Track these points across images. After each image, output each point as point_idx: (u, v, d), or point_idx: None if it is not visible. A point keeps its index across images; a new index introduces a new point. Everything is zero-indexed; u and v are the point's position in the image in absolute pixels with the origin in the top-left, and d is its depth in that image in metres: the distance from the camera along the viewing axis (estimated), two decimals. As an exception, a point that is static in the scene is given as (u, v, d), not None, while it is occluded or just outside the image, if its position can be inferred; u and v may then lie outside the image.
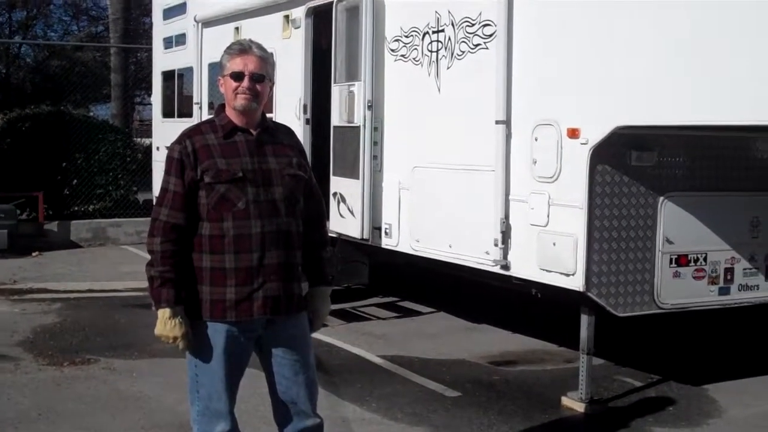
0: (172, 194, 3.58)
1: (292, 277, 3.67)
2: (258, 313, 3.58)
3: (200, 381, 3.65)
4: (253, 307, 3.58)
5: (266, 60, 3.66)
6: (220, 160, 3.55)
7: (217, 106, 3.73)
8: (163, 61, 13.01)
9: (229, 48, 3.71)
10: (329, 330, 8.33)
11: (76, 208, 14.40)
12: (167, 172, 3.61)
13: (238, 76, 3.59)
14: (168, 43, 12.70)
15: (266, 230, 3.57)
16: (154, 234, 3.58)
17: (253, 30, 10.11)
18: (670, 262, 6.11)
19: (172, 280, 3.55)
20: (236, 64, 3.61)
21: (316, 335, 7.83)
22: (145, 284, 10.21)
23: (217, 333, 3.59)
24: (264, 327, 3.65)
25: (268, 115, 10.10)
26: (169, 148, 3.65)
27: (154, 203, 3.69)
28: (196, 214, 3.58)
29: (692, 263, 6.19)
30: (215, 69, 10.87)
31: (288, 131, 3.87)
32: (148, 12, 21.55)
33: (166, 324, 3.55)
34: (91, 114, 18.71)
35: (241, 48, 3.65)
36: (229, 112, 3.65)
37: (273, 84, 3.77)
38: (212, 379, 3.62)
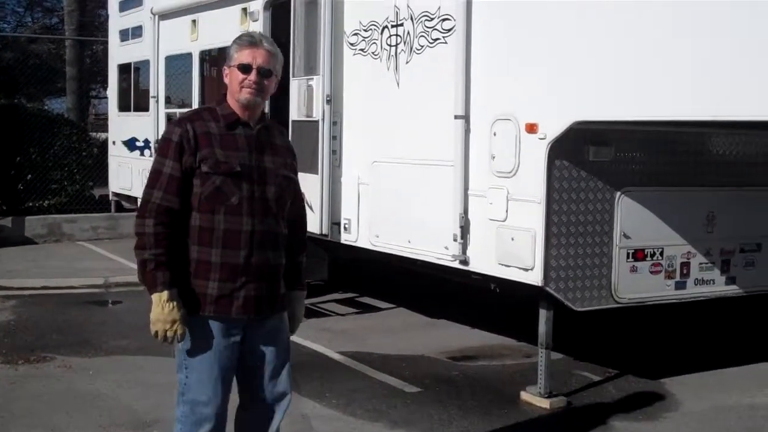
0: (167, 177, 3.47)
1: (276, 278, 3.62)
2: (237, 313, 3.51)
3: (188, 383, 3.56)
4: (233, 306, 3.51)
5: (275, 55, 3.59)
6: (219, 150, 3.49)
7: (220, 95, 3.65)
8: (119, 54, 12.87)
9: (238, 39, 3.63)
10: (288, 326, 8.29)
11: (30, 204, 14.17)
12: (162, 154, 3.50)
13: (245, 69, 3.52)
14: (124, 35, 12.57)
15: (257, 229, 3.51)
16: (145, 216, 3.47)
17: (211, 22, 10.05)
18: (627, 257, 6.15)
19: (166, 263, 3.45)
20: (245, 56, 3.53)
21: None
22: (100, 281, 10.09)
23: (206, 329, 3.52)
24: (246, 324, 3.58)
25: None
26: (167, 131, 3.57)
27: (144, 187, 3.57)
28: (187, 202, 3.50)
29: (649, 258, 6.24)
30: (172, 62, 10.85)
31: (282, 131, 3.84)
32: (103, 4, 21.29)
33: (163, 308, 3.44)
34: (46, 108, 18.49)
35: (252, 40, 3.57)
36: (232, 104, 3.58)
37: (278, 80, 3.67)
38: (200, 381, 3.54)
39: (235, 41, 3.61)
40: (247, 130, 3.56)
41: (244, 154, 3.52)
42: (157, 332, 3.49)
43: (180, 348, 3.57)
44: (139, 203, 3.59)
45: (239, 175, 3.49)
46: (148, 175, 3.58)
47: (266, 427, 3.74)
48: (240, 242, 3.49)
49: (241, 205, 3.49)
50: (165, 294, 3.44)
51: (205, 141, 3.49)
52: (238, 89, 3.54)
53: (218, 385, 3.56)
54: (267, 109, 8.81)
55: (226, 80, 3.61)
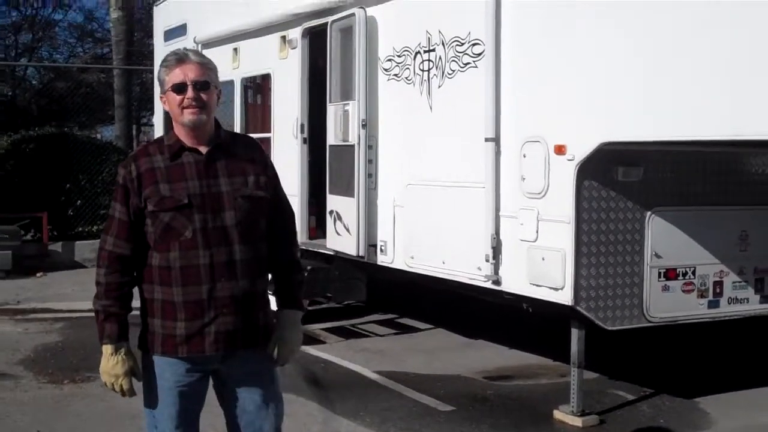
0: (117, 222, 3.32)
1: (252, 308, 3.38)
2: (210, 350, 3.32)
3: (158, 416, 3.42)
4: (205, 343, 3.31)
5: (207, 66, 3.35)
6: (164, 185, 3.28)
7: (168, 126, 3.51)
8: (164, 81, 13.13)
9: (164, 61, 3.39)
10: (326, 346, 8.44)
11: (80, 229, 14.55)
12: (114, 198, 3.38)
13: (180, 88, 3.29)
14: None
15: (215, 260, 3.28)
16: (99, 264, 3.36)
17: (251, 50, 10.27)
18: (659, 276, 6.18)
19: (115, 314, 3.33)
20: (176, 76, 3.30)
21: (314, 352, 8.03)
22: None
23: (170, 367, 3.36)
24: (221, 361, 3.40)
25: (263, 135, 10.13)
26: (117, 173, 3.40)
27: None
28: (145, 243, 3.33)
29: (681, 277, 6.26)
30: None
31: (249, 143, 3.56)
32: (150, 34, 21.77)
33: (108, 360, 3.34)
34: (97, 135, 18.92)
35: (178, 58, 3.33)
36: (178, 131, 3.36)
37: (220, 91, 3.42)
38: (167, 417, 3.40)
39: (161, 64, 3.40)
40: (196, 156, 3.34)
41: (193, 183, 3.30)
42: (105, 383, 3.41)
43: (143, 384, 3.44)
44: None
45: (189, 207, 3.27)
46: None
47: None
48: (199, 277, 3.28)
49: (195, 238, 3.27)
50: (109, 348, 3.33)
51: (150, 178, 3.30)
52: (179, 112, 3.31)
53: (179, 420, 3.41)
54: (306, 135, 9.08)
55: (166, 108, 3.40)
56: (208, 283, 3.29)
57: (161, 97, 3.42)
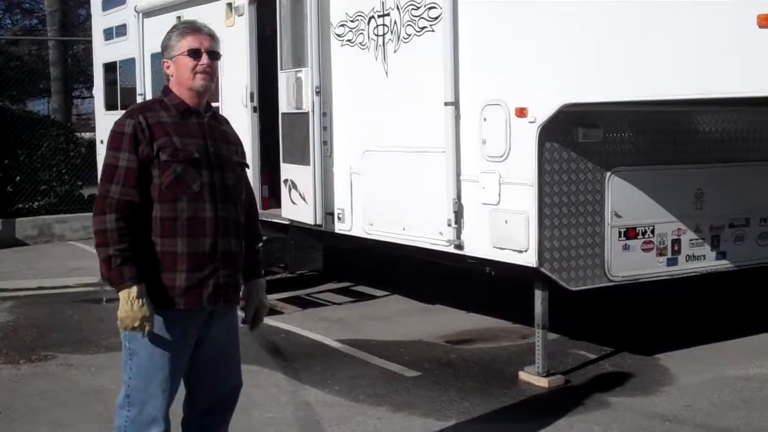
0: (124, 170, 3.39)
1: (237, 267, 3.58)
2: (207, 302, 3.45)
3: (133, 385, 3.48)
4: (203, 295, 3.44)
5: (217, 40, 3.60)
6: (176, 138, 3.43)
7: (164, 87, 3.60)
8: (103, 53, 12.85)
9: (175, 28, 3.59)
10: (286, 317, 8.40)
11: (20, 206, 14.18)
12: (115, 147, 3.42)
13: (195, 53, 3.49)
14: (108, 34, 12.55)
15: (221, 215, 3.47)
16: (105, 211, 3.37)
17: (196, 18, 10.05)
18: (619, 236, 6.25)
19: (132, 258, 3.36)
20: (190, 42, 3.50)
21: (273, 323, 7.99)
22: (94, 280, 10.11)
23: (164, 324, 3.44)
24: (207, 318, 3.54)
25: (213, 104, 10.08)
26: (118, 123, 3.48)
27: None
28: (146, 193, 3.42)
29: (640, 236, 6.35)
30: (158, 59, 10.85)
31: (226, 120, 3.79)
32: (82, 4, 21.26)
33: (133, 304, 3.34)
34: (29, 109, 18.44)
35: (194, 26, 3.57)
36: (181, 93, 3.53)
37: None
38: (149, 381, 3.45)
39: (172, 31, 3.58)
40: (199, 118, 3.54)
41: (200, 142, 3.49)
42: (126, 328, 3.40)
43: (129, 347, 3.48)
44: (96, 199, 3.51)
45: (198, 162, 3.44)
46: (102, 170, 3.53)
47: (222, 423, 3.76)
48: (205, 230, 3.44)
49: (202, 192, 3.44)
50: (134, 290, 3.35)
51: (161, 130, 3.43)
52: (190, 76, 3.49)
53: (168, 385, 3.49)
54: (256, 104, 8.97)
55: (169, 71, 3.55)
56: (212, 237, 3.45)
57: (164, 62, 3.58)
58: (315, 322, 8.15)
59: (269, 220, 8.94)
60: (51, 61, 17.04)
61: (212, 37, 3.57)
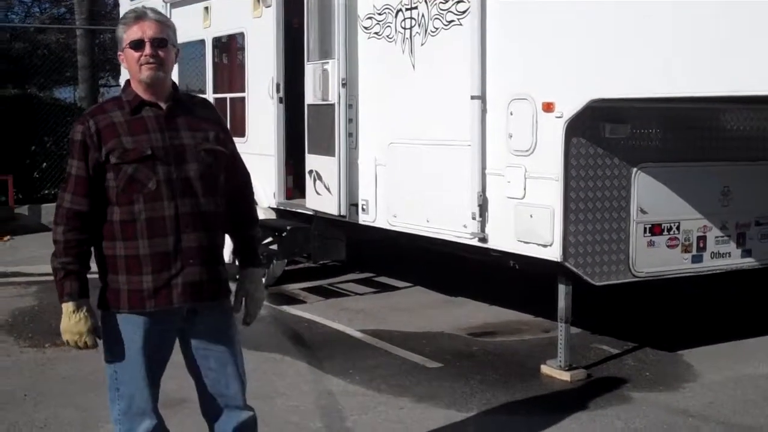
0: (75, 178, 3.30)
1: (215, 261, 3.44)
2: (178, 301, 3.35)
3: (120, 378, 3.41)
4: (173, 295, 3.33)
5: (165, 23, 3.39)
6: (126, 138, 3.29)
7: (124, 83, 3.51)
8: (131, 42, 12.92)
9: (123, 18, 3.43)
10: (307, 306, 8.45)
11: (46, 192, 14.35)
12: (71, 155, 3.35)
13: (137, 45, 3.32)
14: (136, 23, 12.61)
15: (181, 211, 3.32)
16: (57, 222, 3.32)
17: (223, 9, 10.12)
18: (645, 232, 6.24)
19: (75, 272, 3.30)
20: (134, 33, 3.33)
21: (296, 312, 8.04)
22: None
23: (136, 325, 3.35)
24: (185, 318, 3.44)
25: (237, 95, 10.07)
26: (72, 130, 3.39)
27: None
28: (104, 199, 3.32)
29: (666, 232, 6.33)
30: (186, 49, 10.88)
31: (205, 103, 3.64)
32: (111, -7, 21.34)
33: (70, 318, 3.30)
34: (56, 97, 18.59)
35: (136, 15, 3.36)
36: (136, 87, 3.39)
37: (178, 50, 3.47)
38: (133, 376, 3.39)
39: (120, 22, 3.45)
40: (156, 110, 3.38)
41: (155, 136, 3.33)
42: (67, 342, 3.36)
43: (107, 344, 3.41)
44: None
45: (152, 159, 3.30)
46: None
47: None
48: (165, 228, 3.31)
49: (159, 190, 3.30)
50: (71, 305, 3.30)
51: (110, 132, 3.30)
52: (137, 69, 3.34)
53: (152, 380, 3.43)
54: (282, 95, 8.99)
55: (124, 65, 3.43)
56: (174, 235, 3.32)
57: (119, 55, 3.44)
58: (337, 311, 8.19)
59: (293, 210, 9.00)
60: (78, 50, 17.13)
61: (159, 22, 3.36)
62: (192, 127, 3.42)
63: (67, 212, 3.31)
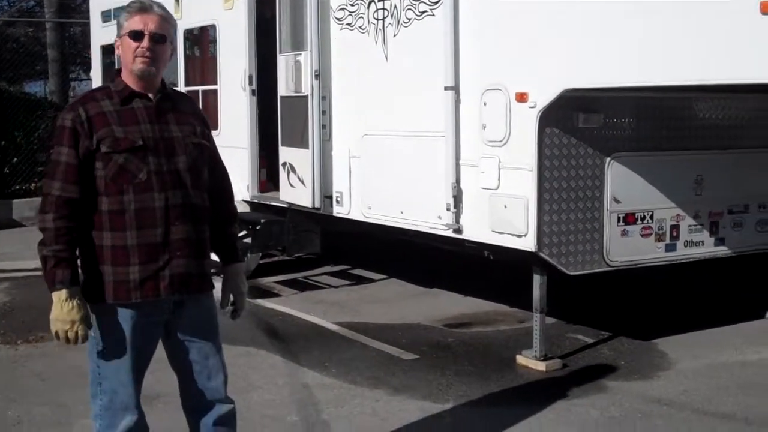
0: (65, 166, 3.26)
1: (202, 254, 3.42)
2: (165, 293, 3.32)
3: (103, 373, 3.36)
4: (160, 287, 3.31)
5: (168, 20, 3.38)
6: (117, 128, 3.27)
7: (114, 72, 3.49)
8: (101, 35, 12.77)
9: (127, 6, 3.39)
10: (282, 299, 8.41)
11: (17, 187, 14.19)
12: (58, 142, 3.30)
13: (137, 36, 3.30)
14: (106, 16, 12.47)
15: (171, 203, 3.31)
16: (46, 210, 3.27)
17: (194, 1, 10.04)
18: (618, 221, 6.27)
19: (67, 259, 3.26)
20: (135, 23, 3.31)
21: (271, 305, 8.00)
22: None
23: (122, 318, 3.32)
24: (171, 310, 3.41)
25: (209, 88, 9.99)
26: (60, 117, 3.35)
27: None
28: (92, 187, 3.28)
29: (639, 221, 6.36)
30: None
31: (189, 99, 3.68)
32: (78, -14, 21.14)
33: (62, 307, 3.23)
34: (26, 91, 18.39)
35: (141, 6, 3.34)
36: (126, 77, 3.37)
37: (174, 48, 3.49)
38: (117, 370, 3.35)
39: (123, 9, 3.41)
40: (146, 102, 3.36)
41: (146, 127, 3.32)
42: (57, 333, 3.29)
43: (93, 336, 3.35)
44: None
45: (143, 149, 3.29)
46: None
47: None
48: (155, 219, 3.29)
49: (150, 180, 3.29)
50: (63, 293, 3.24)
51: (101, 121, 3.28)
52: (131, 59, 3.32)
53: (136, 375, 3.40)
54: (254, 87, 8.94)
55: (119, 52, 3.39)
56: (163, 226, 3.30)
57: (116, 41, 3.42)
58: (313, 304, 8.17)
59: (267, 202, 8.96)
60: (48, 43, 16.97)
61: (162, 18, 3.35)
62: (179, 121, 3.43)
63: (56, 200, 3.26)
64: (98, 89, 3.48)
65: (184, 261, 3.35)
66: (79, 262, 3.36)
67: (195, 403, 3.55)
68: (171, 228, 3.31)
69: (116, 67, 3.50)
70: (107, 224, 3.28)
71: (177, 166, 3.35)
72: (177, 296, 3.37)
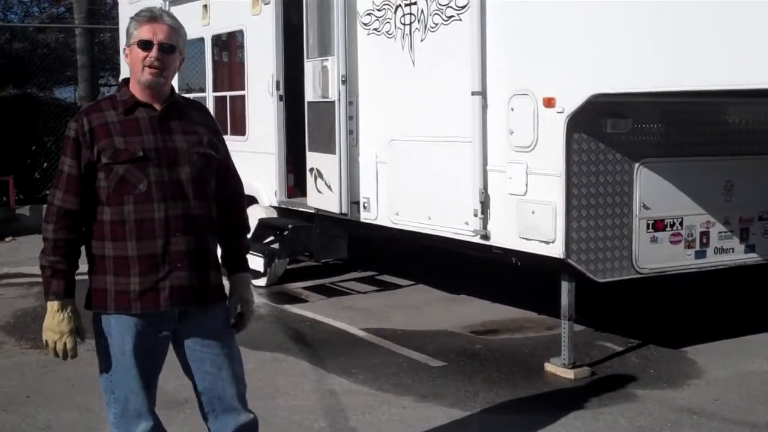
0: (66, 177, 3.28)
1: (205, 266, 3.39)
2: (165, 305, 3.31)
3: (114, 381, 3.38)
4: (159, 298, 3.30)
5: (178, 31, 3.36)
6: (118, 138, 3.27)
7: (121, 81, 3.50)
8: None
9: (137, 15, 3.39)
10: (310, 305, 8.41)
11: (47, 192, 14.24)
12: (63, 152, 3.33)
13: (146, 45, 3.29)
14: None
15: (171, 214, 3.29)
16: (48, 220, 3.31)
17: (222, 7, 10.08)
18: (647, 227, 6.21)
19: (62, 271, 3.31)
20: (144, 32, 3.30)
21: (298, 311, 8.01)
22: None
23: (124, 327, 3.32)
24: (178, 320, 3.40)
25: (237, 93, 10.04)
26: (67, 127, 3.36)
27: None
28: (95, 198, 3.30)
29: (669, 228, 6.29)
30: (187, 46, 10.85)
31: (201, 108, 3.62)
32: (108, -8, 21.31)
33: (54, 317, 3.30)
34: (56, 96, 18.58)
35: (151, 15, 3.33)
36: (133, 87, 3.37)
37: (183, 59, 3.45)
38: (126, 378, 3.36)
39: (133, 18, 3.40)
40: (150, 112, 3.35)
41: (148, 137, 3.30)
42: (47, 342, 3.35)
43: (99, 346, 3.39)
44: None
45: (144, 160, 3.27)
46: None
47: None
48: (154, 231, 3.28)
49: (150, 192, 3.27)
50: (56, 304, 3.30)
51: (103, 132, 3.27)
52: (140, 69, 3.31)
53: (146, 383, 3.40)
54: (282, 92, 8.95)
55: (127, 61, 3.39)
56: (163, 238, 3.29)
57: (125, 50, 3.42)
58: (340, 310, 8.16)
59: (295, 208, 8.97)
60: (78, 49, 17.08)
61: (172, 28, 3.34)
62: (186, 131, 3.40)
63: (57, 210, 3.29)
64: (105, 98, 3.47)
65: (185, 273, 3.33)
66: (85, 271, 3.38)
67: (211, 412, 3.54)
68: (171, 239, 3.30)
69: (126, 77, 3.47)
70: (109, 234, 3.29)
71: (179, 177, 3.33)
72: (178, 308, 3.36)
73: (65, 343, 3.33)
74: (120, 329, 3.33)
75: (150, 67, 3.29)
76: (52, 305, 3.32)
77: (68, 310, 3.31)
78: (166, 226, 3.29)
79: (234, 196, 3.62)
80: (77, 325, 3.35)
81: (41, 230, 3.38)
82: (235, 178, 3.64)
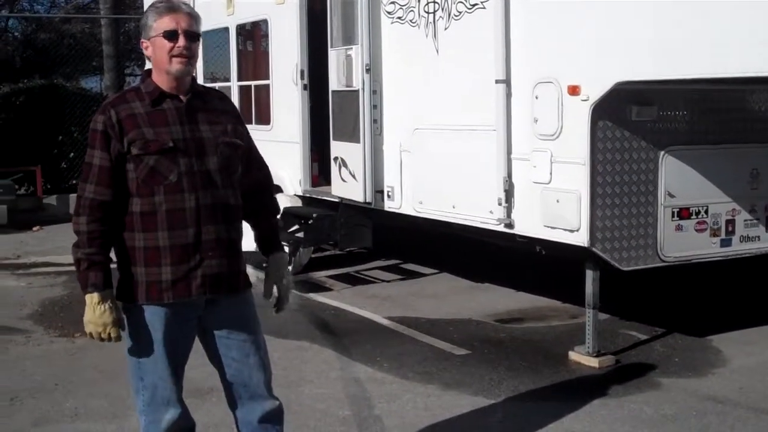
0: (97, 169, 3.28)
1: (234, 253, 3.43)
2: (196, 293, 3.35)
3: (143, 368, 3.40)
4: (191, 287, 3.33)
5: (196, 18, 3.38)
6: (147, 129, 3.28)
7: (143, 72, 3.50)
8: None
9: (153, 6, 3.37)
10: (334, 293, 8.44)
11: (74, 182, 14.43)
12: (91, 145, 3.32)
13: (171, 35, 3.28)
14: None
15: (201, 203, 3.31)
16: (79, 213, 3.30)
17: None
18: (672, 216, 6.18)
19: (99, 262, 3.29)
20: (166, 23, 3.30)
21: (323, 299, 8.04)
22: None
23: (155, 317, 3.34)
24: (204, 308, 3.43)
25: (262, 82, 10.05)
26: (93, 120, 3.37)
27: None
28: (125, 189, 3.31)
29: (694, 216, 6.26)
30: (210, 37, 10.90)
31: (221, 96, 3.62)
32: (135, -18, 21.39)
33: (95, 310, 3.29)
34: (82, 86, 18.71)
35: (170, 6, 3.33)
36: (157, 78, 3.37)
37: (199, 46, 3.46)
38: (155, 366, 3.38)
39: (149, 10, 3.38)
40: (176, 102, 3.36)
41: (176, 128, 3.32)
42: (91, 334, 3.37)
43: (129, 336, 3.40)
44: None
45: (174, 151, 3.29)
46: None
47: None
48: (186, 220, 3.30)
49: (180, 182, 3.29)
50: (96, 296, 3.28)
51: (131, 123, 3.28)
52: (167, 60, 3.31)
53: (174, 370, 3.42)
54: (306, 81, 8.98)
55: (148, 53, 3.37)
56: (194, 227, 3.32)
57: (143, 42, 3.41)
58: (364, 299, 8.19)
59: (319, 197, 9.00)
60: (104, 39, 17.19)
61: (191, 16, 3.35)
62: (210, 120, 3.41)
63: (90, 202, 3.29)
64: (129, 90, 3.48)
65: (216, 261, 3.36)
66: (115, 262, 3.41)
67: (237, 400, 3.57)
68: (202, 228, 3.32)
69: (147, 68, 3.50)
70: (139, 225, 3.31)
71: (208, 167, 3.35)
72: (209, 296, 3.39)
73: (109, 333, 3.33)
74: (151, 319, 3.35)
75: (180, 56, 3.30)
76: (92, 297, 3.30)
77: (108, 302, 3.31)
78: (197, 215, 3.31)
79: (262, 180, 3.66)
80: (118, 315, 3.35)
81: (70, 221, 3.40)
82: (261, 162, 3.67)
